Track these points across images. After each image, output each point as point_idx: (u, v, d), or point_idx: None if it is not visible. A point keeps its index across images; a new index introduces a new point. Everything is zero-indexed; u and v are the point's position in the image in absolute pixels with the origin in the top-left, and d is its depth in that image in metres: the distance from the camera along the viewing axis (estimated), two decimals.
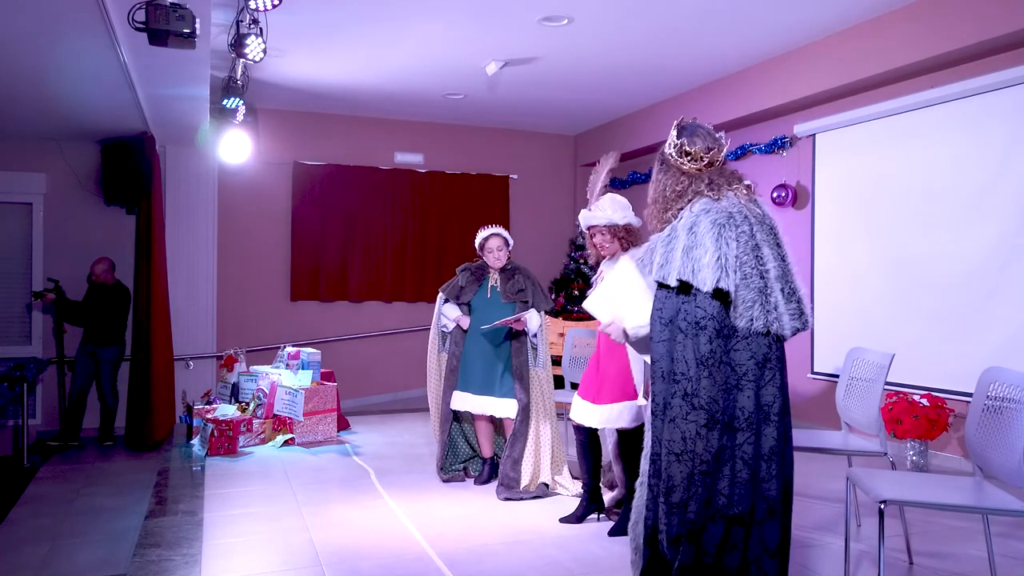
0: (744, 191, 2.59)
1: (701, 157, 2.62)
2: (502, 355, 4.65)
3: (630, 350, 3.61)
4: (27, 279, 7.29)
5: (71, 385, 6.72)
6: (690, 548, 2.44)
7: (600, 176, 3.95)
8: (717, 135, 2.67)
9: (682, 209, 2.59)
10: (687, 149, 2.62)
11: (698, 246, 2.44)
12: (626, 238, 3.73)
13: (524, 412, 4.54)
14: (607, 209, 3.73)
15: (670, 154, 2.66)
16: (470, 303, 4.78)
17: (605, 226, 3.73)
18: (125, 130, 6.62)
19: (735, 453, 2.45)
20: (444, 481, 4.80)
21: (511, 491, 4.40)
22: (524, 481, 4.45)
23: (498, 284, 4.72)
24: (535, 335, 4.65)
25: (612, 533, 3.78)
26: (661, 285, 2.50)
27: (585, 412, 3.83)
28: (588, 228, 3.80)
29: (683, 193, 2.60)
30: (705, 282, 2.40)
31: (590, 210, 3.80)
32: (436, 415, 4.90)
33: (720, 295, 2.41)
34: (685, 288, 2.44)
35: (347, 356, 8.24)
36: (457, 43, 6.06)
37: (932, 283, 5.41)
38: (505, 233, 4.78)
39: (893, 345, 4.32)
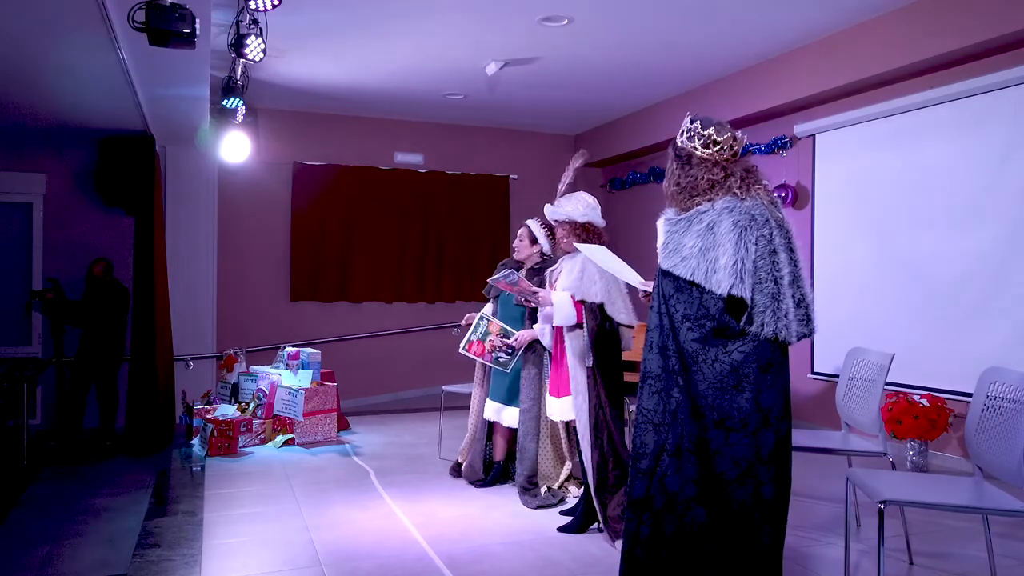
0: (764, 193, 2.56)
1: (731, 146, 2.59)
2: (518, 364, 4.48)
3: (568, 346, 3.73)
4: (27, 279, 7.30)
5: (70, 385, 6.71)
6: (649, 519, 2.47)
7: (569, 172, 4.00)
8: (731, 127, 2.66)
9: (708, 200, 2.53)
10: (716, 139, 2.57)
11: (716, 247, 2.42)
12: (583, 236, 3.76)
13: (532, 428, 4.37)
14: (567, 205, 3.81)
15: (694, 147, 2.58)
16: (499, 301, 4.67)
17: (564, 221, 3.80)
18: (125, 130, 6.62)
19: (724, 452, 2.45)
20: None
21: (539, 499, 4.26)
22: (543, 490, 4.35)
23: None
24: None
25: (561, 529, 3.84)
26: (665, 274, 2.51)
27: (549, 406, 4.01)
28: (551, 221, 3.91)
29: (719, 184, 2.54)
30: (720, 285, 2.39)
31: (555, 204, 3.87)
32: (473, 417, 4.87)
33: (733, 300, 2.40)
34: (689, 282, 2.44)
35: (347, 356, 8.24)
36: (457, 43, 6.06)
37: (932, 283, 5.41)
38: (535, 226, 4.52)
39: (893, 345, 4.31)
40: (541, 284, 4.35)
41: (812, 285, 6.29)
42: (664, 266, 2.52)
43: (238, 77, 5.79)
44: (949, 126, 5.32)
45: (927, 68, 5.34)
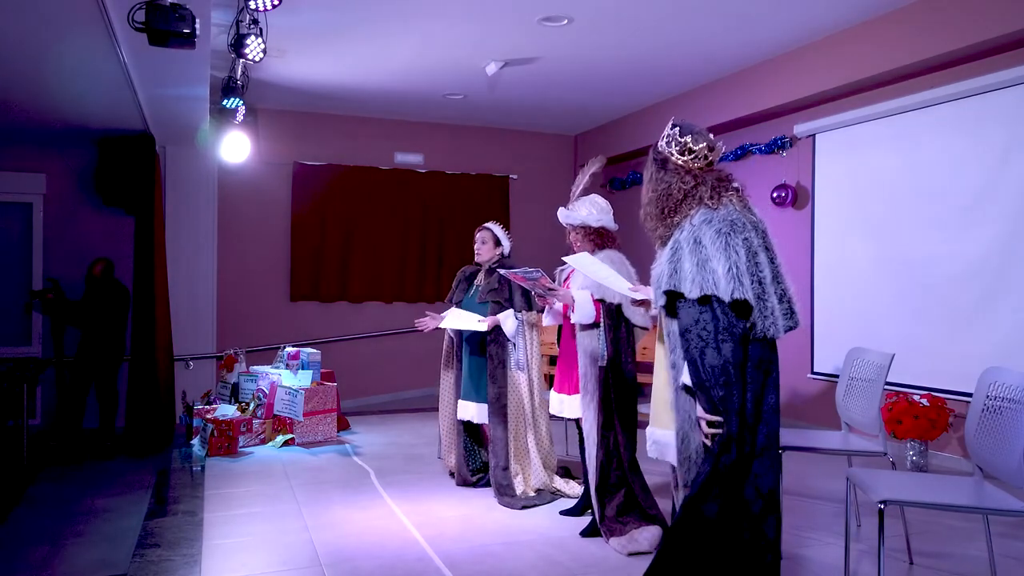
0: (736, 197, 2.62)
1: (705, 155, 2.63)
2: (482, 359, 4.52)
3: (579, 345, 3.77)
4: (27, 279, 7.30)
5: (70, 385, 6.71)
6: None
7: (585, 177, 4.01)
8: (711, 137, 2.69)
9: (684, 217, 2.59)
10: (691, 147, 2.63)
11: (711, 258, 2.46)
12: (597, 240, 3.85)
13: (500, 417, 4.40)
14: (582, 210, 3.87)
15: (671, 152, 2.66)
16: (461, 304, 4.69)
17: (579, 226, 3.85)
18: (125, 130, 6.62)
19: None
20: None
21: (512, 499, 4.30)
22: (519, 487, 4.37)
23: (483, 283, 4.61)
24: (515, 337, 4.44)
25: (582, 533, 3.84)
26: (672, 296, 2.50)
27: (554, 402, 4.04)
28: (565, 225, 3.95)
29: (690, 193, 2.59)
30: (726, 294, 2.43)
31: (569, 208, 3.91)
32: (446, 422, 4.87)
33: (738, 304, 2.43)
34: (703, 299, 2.45)
35: (347, 356, 8.24)
36: (457, 43, 6.06)
37: (932, 283, 5.41)
38: (496, 228, 4.65)
39: (893, 345, 4.32)
40: (490, 284, 4.51)
41: (812, 285, 6.36)
42: (667, 287, 2.51)
43: (238, 77, 5.79)
44: (949, 126, 5.32)
45: (927, 68, 5.34)
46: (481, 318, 4.44)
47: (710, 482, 2.45)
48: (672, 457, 2.65)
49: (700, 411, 2.44)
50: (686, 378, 2.45)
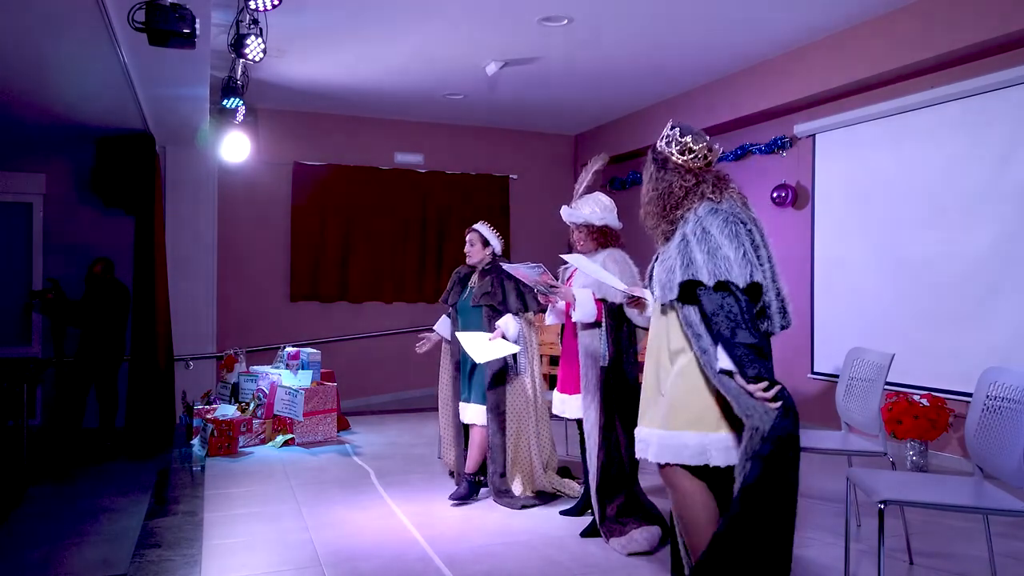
0: (737, 195, 2.65)
1: (705, 155, 2.65)
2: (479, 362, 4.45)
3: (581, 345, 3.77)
4: (27, 279, 7.30)
5: (70, 385, 6.71)
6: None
7: (588, 175, 3.99)
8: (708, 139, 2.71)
9: (688, 211, 2.60)
10: (691, 147, 2.65)
11: (721, 246, 2.48)
12: (601, 239, 3.82)
13: (499, 424, 4.35)
14: (585, 208, 3.84)
15: (671, 152, 2.68)
16: (457, 306, 4.64)
17: (582, 224, 3.82)
18: (125, 130, 6.62)
19: None
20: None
21: (512, 500, 4.30)
22: (518, 490, 4.35)
23: (476, 286, 4.55)
24: (517, 339, 4.36)
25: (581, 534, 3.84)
26: (688, 286, 2.49)
27: (557, 402, 4.04)
28: (568, 223, 3.93)
29: (692, 191, 2.62)
30: (740, 278, 2.44)
31: (572, 207, 3.89)
32: (446, 422, 4.85)
33: (753, 288, 2.45)
34: (720, 286, 2.45)
35: (347, 356, 8.24)
36: (457, 43, 6.06)
37: (932, 283, 5.41)
38: (483, 228, 4.57)
39: (893, 345, 4.31)
40: (483, 288, 4.44)
41: (812, 285, 6.37)
42: (684, 277, 2.49)
43: (238, 77, 5.79)
44: (949, 126, 5.32)
45: (927, 68, 5.34)
46: (491, 336, 4.32)
47: (791, 439, 2.43)
48: (651, 454, 2.62)
49: (751, 387, 2.41)
50: (724, 362, 2.41)
